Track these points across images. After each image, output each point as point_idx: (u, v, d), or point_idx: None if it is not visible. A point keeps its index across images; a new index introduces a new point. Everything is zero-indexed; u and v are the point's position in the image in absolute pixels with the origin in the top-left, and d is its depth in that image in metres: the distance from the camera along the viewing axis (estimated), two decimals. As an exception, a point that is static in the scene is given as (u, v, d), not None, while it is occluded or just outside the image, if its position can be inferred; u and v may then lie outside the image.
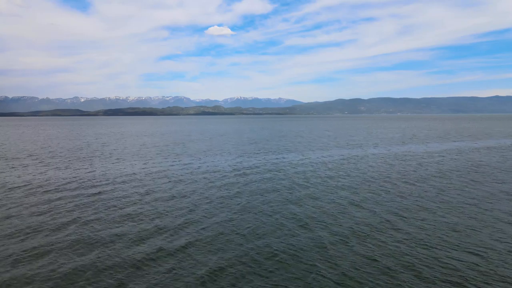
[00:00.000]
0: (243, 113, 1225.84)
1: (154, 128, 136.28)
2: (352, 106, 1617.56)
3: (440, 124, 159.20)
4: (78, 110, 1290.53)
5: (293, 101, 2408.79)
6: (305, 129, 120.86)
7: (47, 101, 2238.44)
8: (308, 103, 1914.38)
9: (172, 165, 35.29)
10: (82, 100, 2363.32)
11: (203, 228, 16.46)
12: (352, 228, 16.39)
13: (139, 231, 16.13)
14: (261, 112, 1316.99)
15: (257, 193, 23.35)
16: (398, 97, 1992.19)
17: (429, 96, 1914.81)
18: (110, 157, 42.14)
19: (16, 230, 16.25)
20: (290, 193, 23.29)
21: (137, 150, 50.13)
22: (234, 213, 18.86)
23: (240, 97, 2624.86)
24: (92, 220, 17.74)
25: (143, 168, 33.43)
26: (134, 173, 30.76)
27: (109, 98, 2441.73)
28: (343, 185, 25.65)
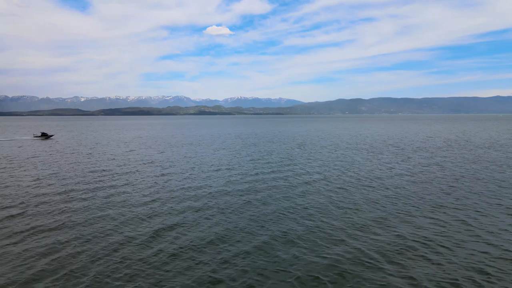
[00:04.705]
0: (243, 113, 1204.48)
1: (172, 131, 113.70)
2: (353, 106, 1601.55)
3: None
4: (78, 109, 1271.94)
5: (294, 101, 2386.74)
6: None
7: (47, 100, 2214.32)
8: (309, 103, 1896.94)
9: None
10: (82, 99, 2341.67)
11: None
12: None
13: None
14: (261, 112, 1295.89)
15: None
16: (398, 97, 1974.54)
17: (430, 96, 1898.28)
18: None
19: None
20: None
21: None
22: None
23: (240, 97, 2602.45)
24: None
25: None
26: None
27: (109, 97, 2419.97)
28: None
